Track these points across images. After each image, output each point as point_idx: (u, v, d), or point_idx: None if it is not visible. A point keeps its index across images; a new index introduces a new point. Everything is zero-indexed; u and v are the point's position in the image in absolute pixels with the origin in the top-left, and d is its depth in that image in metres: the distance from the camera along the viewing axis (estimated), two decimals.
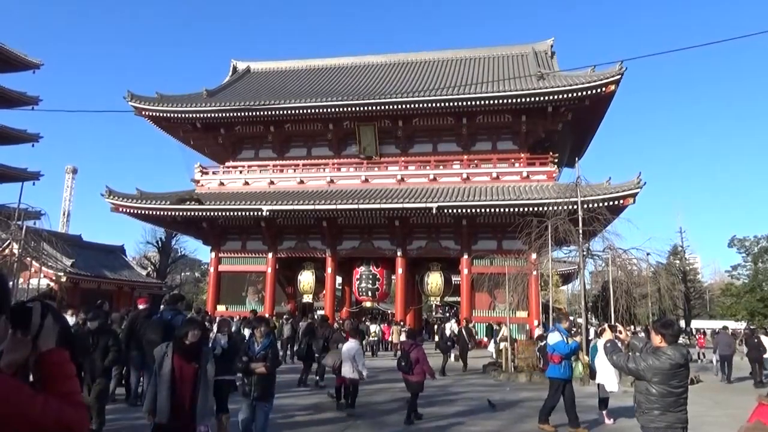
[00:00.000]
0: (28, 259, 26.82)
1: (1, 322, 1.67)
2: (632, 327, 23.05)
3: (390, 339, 28.31)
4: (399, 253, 30.26)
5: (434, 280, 30.88)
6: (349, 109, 29.05)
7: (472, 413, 11.18)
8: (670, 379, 4.82)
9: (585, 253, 19.18)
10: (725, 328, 23.50)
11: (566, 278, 45.96)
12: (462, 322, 23.83)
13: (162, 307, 8.48)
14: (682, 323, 45.38)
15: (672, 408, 4.85)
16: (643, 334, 16.73)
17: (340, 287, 38.54)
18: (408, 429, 9.75)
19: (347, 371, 10.60)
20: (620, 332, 6.13)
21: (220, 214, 29.60)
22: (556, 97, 27.10)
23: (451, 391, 14.22)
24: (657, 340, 5.03)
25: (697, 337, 36.97)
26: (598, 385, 10.53)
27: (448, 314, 40.14)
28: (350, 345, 10.89)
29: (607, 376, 9.55)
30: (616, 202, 24.38)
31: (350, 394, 10.84)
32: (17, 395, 1.54)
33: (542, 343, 10.59)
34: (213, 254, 32.96)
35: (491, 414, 11.13)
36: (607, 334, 5.54)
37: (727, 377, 18.73)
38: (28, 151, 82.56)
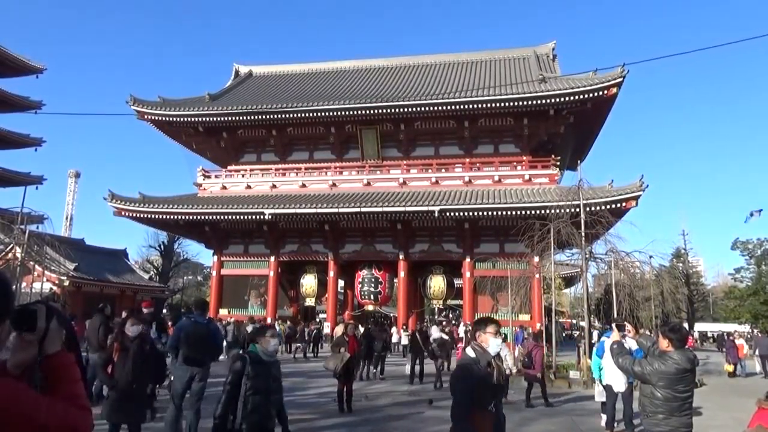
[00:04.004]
0: (31, 263, 26.88)
1: (5, 326, 1.67)
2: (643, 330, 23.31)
3: None
4: (401, 257, 30.25)
5: (437, 283, 30.84)
6: (351, 112, 29.08)
7: None
8: (675, 384, 4.79)
9: (587, 256, 19.15)
10: (764, 331, 27.65)
11: (569, 281, 45.83)
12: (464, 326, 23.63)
13: (194, 312, 8.61)
14: (685, 326, 45.22)
15: (677, 412, 4.83)
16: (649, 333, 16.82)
17: (343, 291, 38.53)
18: (411, 431, 9.73)
19: None
20: (629, 331, 6.11)
21: (222, 217, 29.62)
22: (557, 100, 27.11)
23: None
24: (664, 344, 5.01)
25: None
26: (605, 386, 10.47)
27: (449, 317, 40.06)
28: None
29: (614, 376, 9.52)
30: (619, 205, 24.33)
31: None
32: (22, 397, 1.54)
33: None
34: (215, 258, 32.98)
35: None
36: (615, 335, 5.50)
37: (765, 373, 22.38)
38: (30, 156, 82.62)
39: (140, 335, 7.12)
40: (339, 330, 19.18)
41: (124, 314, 10.94)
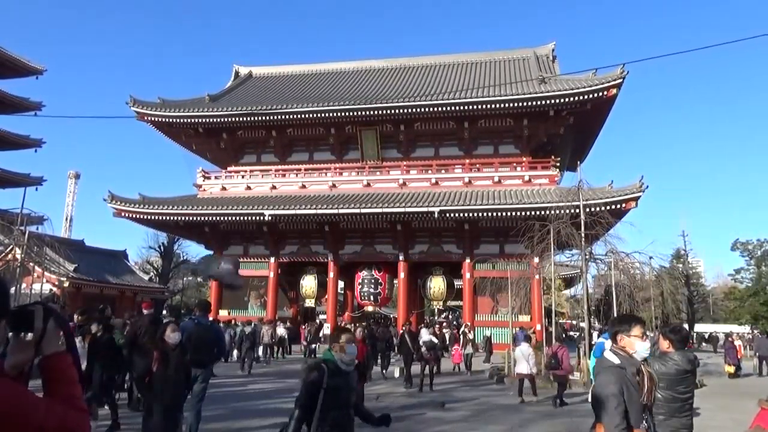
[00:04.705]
0: (31, 264, 26.87)
1: (1, 326, 1.66)
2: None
3: None
4: (401, 258, 30.23)
5: (436, 284, 30.81)
6: (351, 113, 29.09)
7: (475, 418, 11.14)
8: (676, 385, 4.79)
9: (587, 257, 19.15)
10: (764, 332, 28.51)
11: (569, 282, 45.71)
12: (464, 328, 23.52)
13: (197, 313, 8.64)
14: (686, 327, 45.19)
15: (677, 413, 4.82)
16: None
17: (342, 292, 38.50)
18: None
19: (524, 369, 13.33)
20: None
21: (222, 218, 29.61)
22: (557, 101, 27.11)
23: (455, 396, 14.18)
24: (665, 345, 5.01)
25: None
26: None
27: (448, 318, 40.00)
28: (526, 349, 13.53)
29: None
30: (619, 206, 24.33)
31: (532, 386, 13.42)
32: (21, 399, 1.53)
33: None
34: None
35: (494, 418, 11.09)
36: None
37: (759, 372, 23.05)
38: (30, 156, 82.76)
39: (181, 344, 6.20)
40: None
41: (76, 317, 10.67)
